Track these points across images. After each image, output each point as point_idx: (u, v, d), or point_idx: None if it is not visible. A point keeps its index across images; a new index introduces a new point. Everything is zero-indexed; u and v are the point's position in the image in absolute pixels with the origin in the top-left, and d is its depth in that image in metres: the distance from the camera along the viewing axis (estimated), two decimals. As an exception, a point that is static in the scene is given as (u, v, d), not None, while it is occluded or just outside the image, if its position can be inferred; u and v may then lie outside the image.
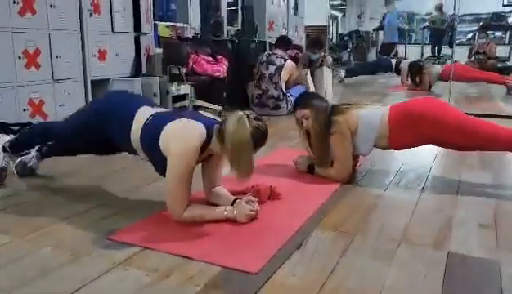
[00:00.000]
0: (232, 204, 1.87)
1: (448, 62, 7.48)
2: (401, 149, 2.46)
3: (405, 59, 7.96)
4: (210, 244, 1.65)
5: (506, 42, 9.79)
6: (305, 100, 2.52)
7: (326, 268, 1.49)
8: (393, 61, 7.29)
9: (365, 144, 2.37)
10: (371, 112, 2.39)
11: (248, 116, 1.73)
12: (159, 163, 1.82)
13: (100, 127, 1.96)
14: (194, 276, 1.42)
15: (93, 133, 2.03)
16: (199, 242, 1.67)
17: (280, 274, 1.45)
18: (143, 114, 1.88)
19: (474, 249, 1.65)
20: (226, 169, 1.86)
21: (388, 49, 9.01)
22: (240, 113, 1.74)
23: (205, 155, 1.86)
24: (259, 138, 1.75)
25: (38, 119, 3.20)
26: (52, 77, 3.35)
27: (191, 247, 1.61)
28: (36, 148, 2.37)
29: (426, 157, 2.88)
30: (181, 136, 1.75)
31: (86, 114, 2.14)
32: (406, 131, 2.30)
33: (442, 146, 2.45)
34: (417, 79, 6.41)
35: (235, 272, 1.45)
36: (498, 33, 9.87)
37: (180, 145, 1.73)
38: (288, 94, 4.53)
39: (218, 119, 1.86)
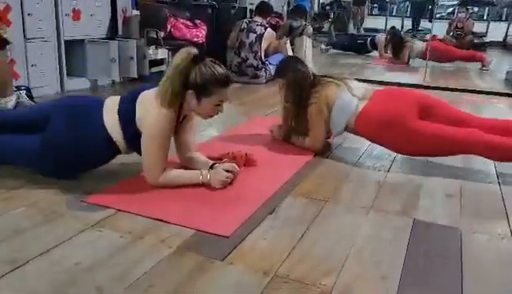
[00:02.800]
0: (211, 167, 1.89)
1: (427, 36, 7.55)
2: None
3: (383, 31, 7.98)
4: (184, 208, 1.67)
5: (484, 18, 9.90)
6: (282, 68, 2.52)
7: (297, 233, 1.53)
8: (369, 44, 7.27)
9: (336, 125, 2.36)
10: (349, 97, 2.32)
11: (200, 56, 1.74)
12: (138, 139, 1.77)
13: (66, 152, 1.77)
14: (167, 238, 1.45)
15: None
16: (174, 205, 1.69)
17: (251, 238, 1.48)
18: (111, 103, 1.82)
19: (439, 217, 1.72)
20: (203, 134, 1.85)
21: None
22: (190, 48, 1.76)
23: (181, 118, 1.85)
24: (212, 79, 1.74)
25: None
26: (24, 36, 3.24)
27: (165, 210, 1.63)
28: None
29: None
30: (156, 101, 1.73)
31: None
32: (373, 133, 2.27)
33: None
34: (400, 53, 6.41)
35: (208, 235, 1.48)
36: (476, 9, 9.96)
37: (156, 109, 1.72)
38: (267, 62, 4.50)
39: None
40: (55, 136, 1.77)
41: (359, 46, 7.41)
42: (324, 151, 2.42)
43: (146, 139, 1.74)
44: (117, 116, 1.78)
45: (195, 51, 1.76)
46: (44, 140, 1.77)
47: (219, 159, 2.06)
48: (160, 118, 1.72)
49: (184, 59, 1.73)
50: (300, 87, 2.37)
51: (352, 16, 9.90)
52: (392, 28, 7.26)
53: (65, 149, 1.77)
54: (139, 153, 1.80)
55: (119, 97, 1.86)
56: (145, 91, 1.80)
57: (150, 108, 1.74)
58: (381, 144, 2.32)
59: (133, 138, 1.78)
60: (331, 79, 2.43)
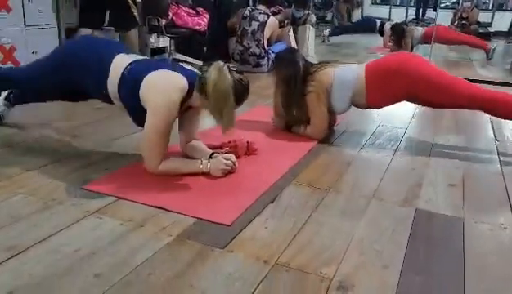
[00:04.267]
0: (210, 158, 1.87)
1: (432, 25, 7.47)
2: (380, 106, 2.44)
3: (389, 20, 7.90)
4: (185, 196, 1.66)
5: (490, 7, 9.79)
6: (276, 64, 2.53)
7: (297, 222, 1.52)
8: (378, 22, 7.21)
9: (340, 102, 2.36)
10: (346, 69, 2.38)
11: (229, 67, 1.71)
12: (138, 114, 1.77)
13: (71, 72, 1.86)
14: (167, 226, 1.44)
15: (63, 78, 1.90)
16: (174, 193, 1.67)
17: (252, 227, 1.48)
18: (120, 63, 1.80)
19: (441, 207, 1.71)
20: (205, 122, 1.84)
21: None
22: (221, 63, 1.71)
23: (185, 108, 1.84)
24: (241, 91, 1.73)
25: (9, 65, 3.09)
26: (24, 22, 3.21)
27: (166, 198, 1.62)
28: (3, 95, 2.27)
29: (402, 118, 2.92)
30: (162, 88, 1.71)
31: (56, 57, 1.99)
32: (383, 86, 2.30)
33: (417, 102, 2.47)
34: (402, 42, 6.37)
35: (209, 223, 1.47)
36: (482, -1, 9.86)
37: (161, 98, 1.70)
38: (269, 51, 4.46)
39: (199, 72, 1.81)
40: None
41: (367, 22, 7.36)
42: (326, 139, 2.40)
43: (148, 128, 1.72)
44: (118, 81, 1.77)
45: (227, 65, 1.72)
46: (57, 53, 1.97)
47: (220, 148, 2.05)
48: (166, 108, 1.70)
49: (230, 79, 1.69)
50: (291, 81, 2.35)
51: (356, 4, 9.81)
52: (396, 24, 7.19)
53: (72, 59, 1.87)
54: (132, 118, 1.83)
55: (129, 61, 1.82)
56: (155, 72, 1.75)
57: (157, 93, 1.71)
58: (401, 97, 2.34)
59: (131, 105, 1.78)
60: (325, 63, 2.44)
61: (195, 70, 1.86)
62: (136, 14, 3.61)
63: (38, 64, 2.06)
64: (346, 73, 2.35)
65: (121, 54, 1.86)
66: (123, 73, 1.78)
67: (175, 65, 1.93)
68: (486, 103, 2.22)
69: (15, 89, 2.24)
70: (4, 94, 2.28)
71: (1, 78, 2.16)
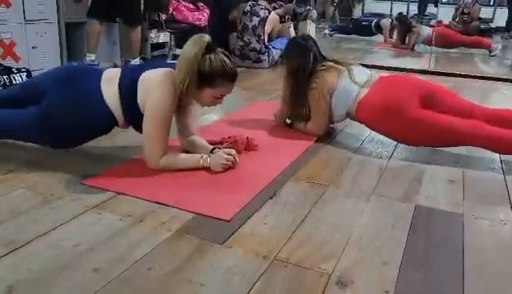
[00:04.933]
0: (211, 152, 1.87)
1: (433, 22, 7.45)
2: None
3: (389, 16, 7.87)
4: (184, 191, 1.66)
5: (491, 3, 9.75)
6: (285, 53, 2.49)
7: (297, 218, 1.52)
8: (373, 23, 7.16)
9: (337, 112, 2.32)
10: (349, 86, 2.27)
11: (211, 44, 1.71)
12: (137, 119, 1.76)
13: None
14: (166, 222, 1.44)
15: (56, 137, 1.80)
16: (174, 189, 1.67)
17: (251, 223, 1.47)
18: (111, 74, 1.80)
19: (441, 203, 1.70)
20: (204, 118, 1.84)
21: None
22: (203, 34, 1.73)
23: (182, 103, 1.84)
24: (220, 71, 1.72)
25: (9, 60, 3.09)
26: (24, 17, 3.20)
27: (165, 193, 1.62)
28: None
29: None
30: (159, 83, 1.71)
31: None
32: (375, 123, 2.24)
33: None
34: (406, 37, 6.33)
35: (208, 219, 1.47)
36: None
37: (158, 92, 1.70)
38: (270, 46, 4.46)
39: None
40: (52, 105, 1.76)
41: (363, 28, 7.32)
42: (326, 136, 2.40)
43: (148, 121, 1.72)
44: (117, 89, 1.76)
45: (208, 38, 1.73)
46: (41, 111, 1.76)
47: (220, 143, 2.04)
48: (163, 101, 1.70)
49: (201, 47, 1.69)
50: (299, 72, 2.32)
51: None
52: (400, 13, 7.15)
53: (61, 119, 1.75)
54: (136, 128, 1.81)
55: (119, 70, 1.84)
56: (149, 71, 1.77)
57: (153, 89, 1.71)
58: (383, 134, 2.29)
59: (132, 114, 1.77)
60: (334, 64, 2.39)
61: None
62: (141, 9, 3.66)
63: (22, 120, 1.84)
64: (347, 88, 2.26)
65: (104, 73, 1.83)
66: (120, 79, 1.78)
67: (167, 63, 1.94)
68: (490, 142, 2.05)
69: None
70: None
71: None
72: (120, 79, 1.78)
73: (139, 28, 3.71)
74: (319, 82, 2.29)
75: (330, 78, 2.30)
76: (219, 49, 1.77)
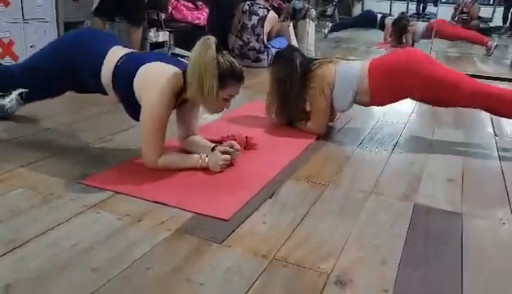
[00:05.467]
0: (212, 150, 1.88)
1: (432, 20, 7.44)
2: (382, 103, 2.45)
3: (390, 15, 7.86)
4: (183, 191, 1.66)
5: (491, 2, 9.75)
6: (273, 63, 2.51)
7: (296, 217, 1.52)
8: (379, 16, 7.16)
9: (342, 101, 2.34)
10: (348, 66, 2.36)
11: (218, 45, 1.70)
12: (131, 106, 1.78)
13: (69, 61, 1.87)
14: (165, 221, 1.44)
15: (62, 67, 1.90)
16: (173, 188, 1.67)
17: (250, 222, 1.47)
18: (115, 54, 1.80)
19: (440, 202, 1.70)
20: (204, 118, 1.83)
21: None
22: (209, 36, 1.70)
23: (181, 100, 1.83)
24: (229, 71, 1.71)
25: (7, 60, 3.09)
26: (23, 16, 3.20)
27: (164, 193, 1.62)
28: (17, 91, 2.26)
29: (402, 113, 2.92)
30: (156, 81, 1.70)
31: (55, 47, 2.01)
32: (390, 84, 2.28)
33: (420, 100, 2.44)
34: (403, 38, 6.33)
35: (207, 218, 1.47)
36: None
37: (155, 90, 1.69)
38: (269, 46, 4.45)
39: None
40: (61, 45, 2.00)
41: (367, 17, 7.31)
42: (326, 135, 2.40)
43: (144, 121, 1.72)
44: (112, 72, 1.77)
45: (214, 39, 1.71)
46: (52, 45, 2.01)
47: (219, 142, 2.04)
48: (160, 102, 1.69)
49: (213, 49, 1.66)
50: (287, 84, 2.33)
51: None
52: (402, 13, 7.13)
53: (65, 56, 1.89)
54: (128, 112, 1.83)
55: (123, 52, 1.82)
56: (150, 64, 1.75)
57: (151, 86, 1.70)
58: (404, 94, 2.33)
59: (126, 99, 1.78)
60: (326, 59, 2.42)
61: None
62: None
63: (38, 54, 2.07)
64: (348, 70, 2.33)
65: (117, 46, 1.86)
66: (116, 65, 1.78)
67: (169, 58, 1.93)
68: (493, 98, 2.22)
69: (18, 84, 2.21)
70: (18, 91, 2.26)
71: (3, 74, 2.18)
72: (118, 62, 1.78)
73: (141, 28, 3.72)
74: (317, 79, 2.30)
75: (326, 71, 2.32)
76: (225, 50, 1.76)
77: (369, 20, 7.27)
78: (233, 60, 1.75)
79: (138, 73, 1.72)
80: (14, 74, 2.14)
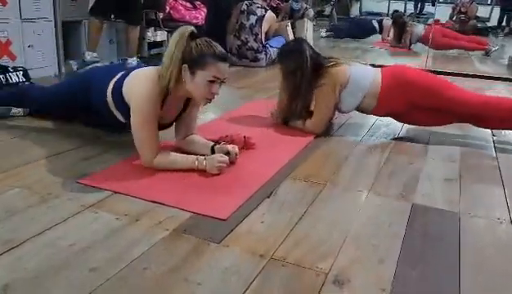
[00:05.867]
0: (212, 148, 1.90)
1: (430, 20, 7.45)
2: (382, 112, 2.44)
3: (387, 16, 7.87)
4: (181, 191, 1.66)
5: (488, 2, 9.77)
6: (282, 55, 2.50)
7: (294, 216, 1.52)
8: (375, 23, 7.15)
9: (348, 103, 2.34)
10: (363, 70, 2.36)
11: (194, 32, 1.74)
12: (125, 115, 1.82)
13: (82, 95, 1.98)
14: (163, 221, 1.44)
15: (75, 101, 2.05)
16: (171, 188, 1.67)
17: (248, 221, 1.47)
18: (118, 75, 1.88)
19: (438, 201, 1.71)
20: (202, 117, 1.83)
21: None
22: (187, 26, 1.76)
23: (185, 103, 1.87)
24: (206, 50, 1.71)
25: (5, 59, 3.07)
26: (20, 16, 3.19)
27: (162, 192, 1.62)
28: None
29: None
30: (142, 81, 1.74)
31: (69, 82, 2.17)
32: (397, 94, 2.30)
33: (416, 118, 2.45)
34: (402, 37, 6.33)
35: (205, 218, 1.47)
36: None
37: (139, 92, 1.72)
38: (267, 45, 4.45)
39: None
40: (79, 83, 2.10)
41: (362, 25, 7.31)
42: (324, 134, 2.40)
43: (133, 120, 1.75)
44: (112, 87, 1.84)
45: (192, 28, 1.75)
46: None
47: (217, 142, 2.04)
48: (145, 97, 1.71)
49: (182, 34, 1.71)
50: (296, 74, 2.32)
51: None
52: (396, 11, 7.15)
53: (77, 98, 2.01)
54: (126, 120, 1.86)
55: (120, 74, 1.89)
56: (137, 70, 1.83)
57: (135, 83, 1.76)
58: (409, 109, 2.35)
59: (126, 112, 1.80)
60: (339, 59, 2.41)
61: None
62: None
63: (54, 87, 2.25)
64: (363, 74, 2.34)
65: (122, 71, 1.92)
66: (115, 80, 1.86)
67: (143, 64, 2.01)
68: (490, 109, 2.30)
69: (37, 108, 2.35)
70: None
71: (21, 94, 2.36)
72: (117, 78, 1.86)
73: (138, 27, 3.72)
74: (330, 77, 2.29)
75: (341, 73, 2.32)
76: (206, 38, 1.76)
77: (366, 30, 7.26)
78: (213, 43, 1.75)
79: (125, 81, 1.80)
80: (36, 100, 2.31)
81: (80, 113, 2.13)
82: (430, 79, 2.39)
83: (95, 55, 3.57)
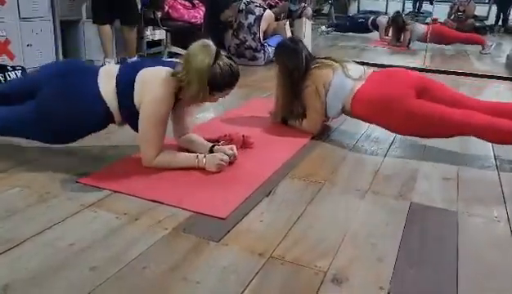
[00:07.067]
0: (211, 149, 1.90)
1: (428, 20, 7.45)
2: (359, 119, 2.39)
3: (385, 14, 7.88)
4: (181, 190, 1.66)
5: (486, 0, 9.78)
6: (277, 53, 2.50)
7: (293, 215, 1.53)
8: (369, 20, 7.17)
9: (331, 109, 2.34)
10: (342, 81, 2.29)
11: (218, 51, 1.71)
12: (133, 118, 1.76)
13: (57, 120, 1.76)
14: (163, 220, 1.44)
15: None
16: (170, 187, 1.68)
17: (247, 220, 1.48)
18: (109, 70, 1.81)
19: (436, 200, 1.71)
20: (199, 116, 1.84)
21: None
22: (207, 41, 1.72)
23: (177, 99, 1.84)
24: (227, 75, 1.74)
25: (4, 58, 3.07)
26: (19, 15, 3.19)
27: (161, 192, 1.62)
28: None
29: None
30: (157, 81, 1.72)
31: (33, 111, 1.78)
32: (372, 114, 2.24)
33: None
34: (401, 35, 6.34)
35: (204, 217, 1.48)
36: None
37: (154, 93, 1.71)
38: (265, 44, 4.45)
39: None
40: (49, 97, 1.75)
41: (359, 25, 7.33)
42: (322, 133, 2.40)
43: (144, 119, 1.73)
44: (115, 85, 1.75)
45: (215, 47, 1.73)
46: (39, 103, 1.76)
47: (216, 141, 2.05)
48: (159, 102, 1.71)
49: (212, 56, 1.70)
50: (293, 74, 2.32)
51: None
52: (397, 12, 7.14)
53: (58, 110, 1.74)
54: (132, 126, 1.81)
55: (117, 66, 1.85)
56: (147, 70, 1.76)
57: (149, 90, 1.71)
58: (377, 124, 2.30)
59: (129, 112, 1.77)
60: (327, 61, 2.39)
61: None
62: (139, 9, 3.69)
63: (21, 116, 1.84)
64: (341, 82, 2.27)
65: (101, 68, 1.85)
66: (118, 76, 1.77)
67: (164, 61, 1.95)
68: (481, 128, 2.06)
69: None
70: None
71: None
72: (118, 76, 1.78)
73: (135, 28, 3.72)
74: (314, 80, 2.30)
75: (324, 75, 2.31)
76: (221, 51, 1.76)
77: (361, 28, 7.30)
78: (231, 63, 1.76)
79: (137, 79, 1.74)
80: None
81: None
82: (413, 103, 2.12)
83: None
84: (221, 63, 1.72)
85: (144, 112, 1.72)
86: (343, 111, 2.34)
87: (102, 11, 3.51)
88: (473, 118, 2.04)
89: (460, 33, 6.46)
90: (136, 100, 1.74)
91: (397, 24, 6.43)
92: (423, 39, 6.06)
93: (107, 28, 3.53)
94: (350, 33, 7.44)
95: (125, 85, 1.75)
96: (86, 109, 1.76)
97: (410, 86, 2.18)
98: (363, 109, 2.25)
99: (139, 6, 3.75)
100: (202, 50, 1.71)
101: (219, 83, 1.74)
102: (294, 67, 2.32)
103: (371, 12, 8.86)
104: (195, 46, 1.73)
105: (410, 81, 2.23)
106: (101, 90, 1.75)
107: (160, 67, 1.78)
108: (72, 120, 1.76)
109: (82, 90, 1.76)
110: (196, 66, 1.69)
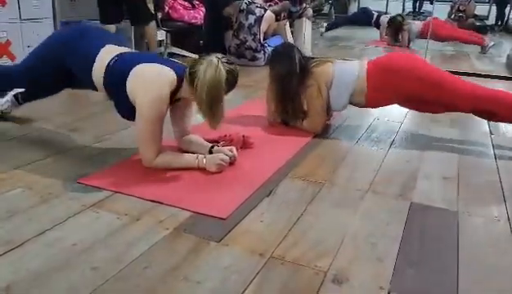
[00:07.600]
0: (210, 150, 1.90)
1: (428, 19, 7.45)
2: (376, 106, 2.47)
3: (385, 13, 7.88)
4: (181, 190, 1.67)
5: (486, 0, 9.78)
6: (271, 60, 2.53)
7: (293, 215, 1.53)
8: (375, 14, 7.17)
9: (339, 99, 2.36)
10: (347, 65, 2.38)
11: (221, 60, 1.71)
12: (124, 107, 1.79)
13: (62, 59, 1.88)
14: (164, 220, 1.45)
15: (55, 65, 1.91)
16: (171, 187, 1.68)
17: (248, 220, 1.49)
18: (107, 53, 1.81)
19: (436, 200, 1.72)
20: (198, 117, 1.84)
21: None
22: (213, 57, 1.70)
23: (174, 100, 1.83)
24: (231, 82, 1.75)
25: (4, 60, 3.08)
26: (20, 16, 3.20)
27: (162, 192, 1.63)
28: (12, 93, 2.28)
29: (398, 112, 2.93)
30: (151, 81, 1.71)
31: (48, 45, 1.99)
32: (385, 85, 2.29)
33: (416, 107, 2.44)
34: (398, 36, 6.36)
35: (205, 217, 1.48)
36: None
37: (151, 92, 1.70)
38: (265, 44, 4.46)
39: (187, 65, 1.80)
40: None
41: (363, 17, 7.33)
42: (322, 133, 2.41)
43: (140, 121, 1.73)
44: (104, 70, 1.77)
45: (219, 59, 1.71)
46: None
47: (216, 141, 2.05)
48: (155, 102, 1.70)
49: (223, 76, 1.69)
50: (285, 79, 2.34)
51: None
52: (399, 15, 7.13)
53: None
54: (118, 111, 1.84)
55: (116, 51, 1.83)
56: (144, 65, 1.76)
57: (146, 87, 1.70)
58: (390, 99, 2.35)
59: (123, 104, 1.79)
60: (323, 57, 2.43)
61: (184, 64, 1.86)
62: (151, 7, 3.71)
63: (32, 54, 2.05)
64: (346, 70, 2.34)
65: (110, 44, 1.86)
66: (108, 64, 1.78)
67: (161, 58, 1.94)
68: (493, 100, 2.21)
69: (15, 84, 2.21)
70: (13, 91, 2.28)
71: (1, 74, 2.17)
72: (111, 62, 1.78)
73: (151, 24, 3.74)
74: (316, 78, 2.31)
75: (325, 69, 2.34)
76: (223, 60, 1.73)
77: (366, 17, 7.28)
78: (232, 67, 1.75)
79: (132, 73, 1.73)
80: (12, 74, 2.13)
81: (63, 80, 2.00)
82: (426, 69, 2.29)
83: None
84: (229, 77, 1.71)
85: (139, 113, 1.72)
86: (352, 101, 2.36)
87: (110, 10, 3.51)
88: (487, 87, 2.23)
89: (457, 29, 6.47)
90: (129, 92, 1.74)
91: (395, 24, 6.44)
92: (420, 35, 6.10)
93: (112, 28, 3.52)
94: (349, 33, 7.43)
95: (114, 76, 1.76)
96: (81, 64, 1.84)
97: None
98: (378, 80, 2.29)
99: (150, 6, 3.74)
100: (215, 68, 1.68)
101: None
102: (287, 72, 2.34)
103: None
104: (205, 64, 1.69)
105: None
106: (93, 67, 1.79)
107: (160, 66, 1.77)
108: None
109: (80, 54, 1.85)
110: (209, 80, 1.67)
